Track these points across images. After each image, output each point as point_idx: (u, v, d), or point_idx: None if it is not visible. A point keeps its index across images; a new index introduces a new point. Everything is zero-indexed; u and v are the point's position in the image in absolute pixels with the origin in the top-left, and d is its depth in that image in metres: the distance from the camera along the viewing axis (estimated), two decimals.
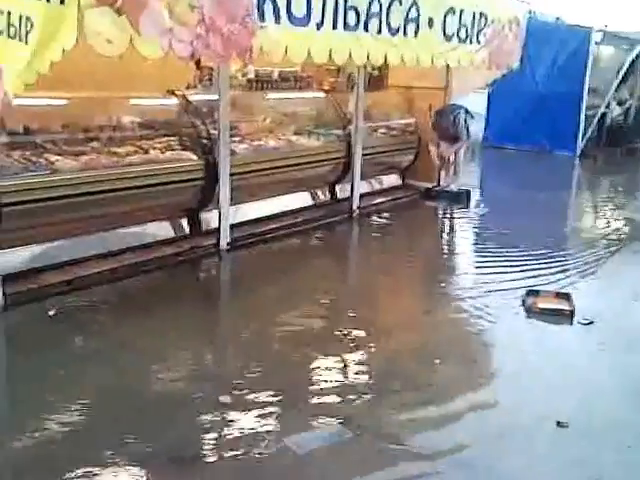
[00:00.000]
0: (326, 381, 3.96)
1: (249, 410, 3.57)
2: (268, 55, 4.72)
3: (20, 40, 3.95)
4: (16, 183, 4.78)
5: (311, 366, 4.16)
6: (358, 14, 5.50)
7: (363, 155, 7.79)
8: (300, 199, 7.67)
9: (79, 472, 2.99)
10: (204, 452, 3.22)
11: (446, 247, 7.66)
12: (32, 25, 3.90)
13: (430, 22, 6.37)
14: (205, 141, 6.31)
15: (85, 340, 4.45)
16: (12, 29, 3.98)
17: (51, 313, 4.70)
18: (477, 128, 11.88)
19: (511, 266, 6.25)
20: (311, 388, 3.90)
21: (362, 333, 4.65)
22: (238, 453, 3.18)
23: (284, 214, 7.24)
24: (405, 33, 6.07)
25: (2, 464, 3.13)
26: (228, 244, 6.29)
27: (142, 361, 4.17)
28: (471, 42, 7.08)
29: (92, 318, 4.76)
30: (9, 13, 4.00)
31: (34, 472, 3.06)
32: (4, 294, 4.65)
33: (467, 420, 3.63)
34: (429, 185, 8.96)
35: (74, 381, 3.89)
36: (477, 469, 3.18)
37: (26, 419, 3.47)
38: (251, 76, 7.37)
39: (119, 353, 4.26)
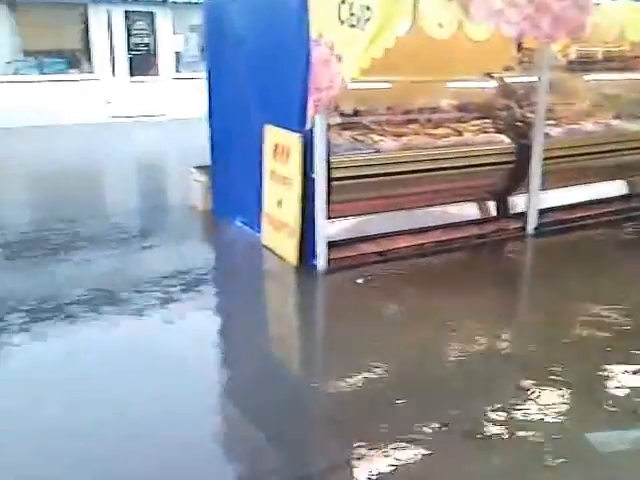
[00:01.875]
0: (632, 381, 3.70)
1: (546, 397, 3.51)
2: (601, 34, 4.48)
3: (359, 28, 4.31)
4: (345, 160, 5.27)
5: (615, 363, 3.91)
6: None
7: None
8: (614, 187, 7.16)
9: (381, 433, 3.22)
10: (496, 432, 3.22)
11: None
12: (371, 13, 4.23)
13: None
14: (519, 124, 6.22)
15: (390, 308, 4.77)
16: (353, 18, 4.36)
17: (359, 281, 5.11)
18: None
19: None
20: (613, 384, 3.68)
21: None
22: (533, 440, 3.14)
23: (596, 202, 6.84)
24: None
25: (315, 411, 3.54)
26: (535, 229, 6.17)
27: (441, 334, 4.33)
28: None
29: (398, 288, 5.07)
30: (351, 3, 4.38)
31: (331, 424, 3.40)
32: (329, 259, 5.20)
33: None
34: None
35: (377, 344, 4.18)
36: None
37: (335, 375, 3.85)
38: (572, 57, 7.04)
39: (420, 323, 4.48)
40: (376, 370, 3.85)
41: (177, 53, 14.55)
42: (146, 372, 3.80)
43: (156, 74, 14.32)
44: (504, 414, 3.37)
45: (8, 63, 13.15)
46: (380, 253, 5.53)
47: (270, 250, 5.64)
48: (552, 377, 3.71)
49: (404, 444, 3.11)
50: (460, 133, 6.01)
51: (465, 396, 3.55)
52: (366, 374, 3.80)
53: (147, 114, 13.76)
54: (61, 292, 4.88)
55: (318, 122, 4.94)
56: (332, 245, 5.29)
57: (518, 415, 3.35)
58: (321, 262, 5.20)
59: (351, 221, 5.68)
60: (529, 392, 3.56)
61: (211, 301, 4.99)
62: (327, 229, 5.21)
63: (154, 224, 6.94)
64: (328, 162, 5.09)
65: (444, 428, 3.24)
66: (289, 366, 4.16)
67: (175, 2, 13.78)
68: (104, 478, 2.90)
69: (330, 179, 5.13)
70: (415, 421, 3.29)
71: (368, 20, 4.24)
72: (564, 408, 3.43)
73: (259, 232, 5.87)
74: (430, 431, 3.21)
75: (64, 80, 13.33)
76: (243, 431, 3.30)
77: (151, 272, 5.34)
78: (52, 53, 13.46)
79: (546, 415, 3.35)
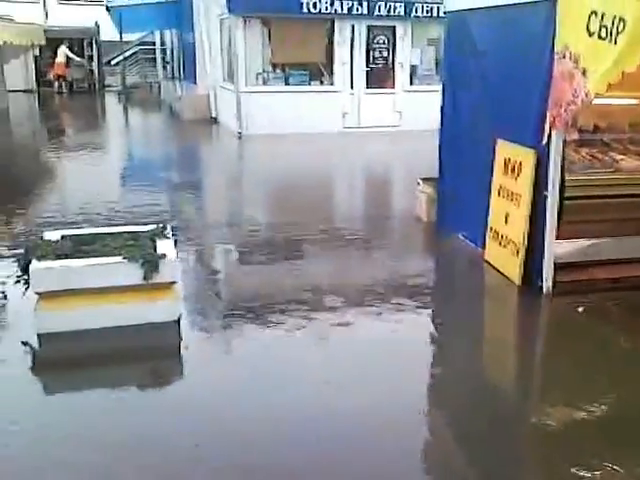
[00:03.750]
0: None
1: None
2: None
3: (610, 41, 4.06)
4: (580, 178, 5.00)
5: None
6: None
7: None
8: None
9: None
10: None
11: None
12: (624, 25, 3.96)
13: None
14: None
15: (617, 342, 4.42)
16: (603, 30, 4.11)
17: (580, 309, 4.79)
18: None
19: None
20: None
21: None
22: None
23: None
24: None
25: (526, 443, 3.40)
26: None
27: None
28: None
29: (629, 321, 4.70)
30: (603, 15, 4.14)
31: (543, 459, 3.23)
32: (554, 281, 4.96)
33: None
34: None
35: (597, 380, 3.90)
36: None
37: (547, 407, 3.66)
38: None
39: None
40: (592, 408, 3.60)
41: (412, 66, 14.81)
42: (357, 380, 3.91)
43: (391, 87, 14.70)
44: None
45: (258, 74, 14.37)
46: (612, 280, 5.15)
47: (492, 266, 5.52)
48: None
49: None
50: None
51: None
52: (582, 410, 3.57)
53: (380, 125, 14.17)
54: (285, 290, 5.23)
55: (554, 138, 4.75)
56: (559, 267, 5.03)
57: None
58: (546, 284, 4.97)
59: (582, 243, 5.34)
60: None
61: (427, 314, 5.02)
62: (555, 250, 4.98)
63: (378, 232, 7.13)
64: (562, 180, 4.87)
65: None
66: (502, 392, 4.02)
67: (417, 16, 14.04)
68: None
69: (563, 198, 4.90)
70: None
71: (621, 32, 3.98)
72: None
73: (482, 247, 5.78)
74: None
75: (306, 92, 14.22)
76: (450, 457, 3.27)
77: (370, 279, 5.51)
78: (297, 66, 14.45)
79: None
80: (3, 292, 4.97)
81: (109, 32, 22.09)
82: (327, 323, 4.63)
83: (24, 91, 23.01)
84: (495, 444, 3.33)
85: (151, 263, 4.32)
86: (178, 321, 4.47)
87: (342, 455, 3.17)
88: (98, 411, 3.54)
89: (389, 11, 13.91)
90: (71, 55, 23.47)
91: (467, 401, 3.75)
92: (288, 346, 4.34)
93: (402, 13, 13.98)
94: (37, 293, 4.29)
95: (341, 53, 14.26)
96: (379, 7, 13.85)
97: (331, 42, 14.27)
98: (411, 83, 14.77)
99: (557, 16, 4.55)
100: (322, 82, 14.57)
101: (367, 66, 14.47)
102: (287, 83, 14.36)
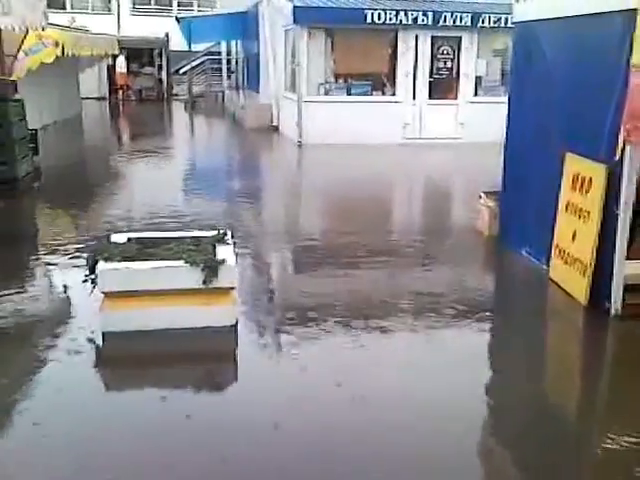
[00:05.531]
0: None
1: None
2: None
3: None
4: None
5: None
6: None
7: None
8: None
9: None
10: None
11: None
12: None
13: None
14: None
15: None
16: None
17: None
18: None
19: None
20: None
21: None
22: None
23: None
24: None
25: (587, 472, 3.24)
26: None
27: None
28: None
29: None
30: None
31: None
32: (624, 304, 4.76)
33: None
34: None
35: None
36: None
37: (607, 435, 3.48)
38: None
39: None
40: None
41: (478, 77, 14.57)
42: (411, 393, 3.85)
43: (454, 98, 14.52)
44: None
45: (321, 84, 14.43)
46: None
47: (557, 285, 5.33)
48: None
49: None
50: None
51: None
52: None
53: (442, 137, 14.01)
54: (341, 300, 5.18)
55: (628, 153, 4.56)
56: (630, 289, 4.80)
57: None
58: (614, 306, 4.76)
59: None
60: None
61: (485, 332, 4.89)
62: (625, 270, 4.77)
63: (436, 245, 6.99)
64: (636, 197, 4.68)
65: None
66: (562, 418, 3.84)
67: (483, 27, 13.83)
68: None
69: (636, 216, 4.71)
70: None
71: None
72: None
73: (546, 265, 5.60)
74: None
75: (367, 102, 14.18)
76: None
77: (430, 292, 5.40)
78: (359, 76, 14.44)
79: None
80: None
81: (178, 42, 22.60)
82: (384, 334, 4.56)
83: (97, 98, 23.79)
84: (556, 470, 3.19)
85: (211, 268, 4.36)
86: (234, 326, 4.50)
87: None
88: (148, 410, 3.60)
89: (455, 21, 13.76)
90: (121, 68, 23.87)
91: (527, 424, 3.61)
92: (342, 353, 4.29)
93: (468, 23, 13.81)
94: (103, 293, 4.39)
95: (404, 63, 14.18)
96: (445, 17, 13.71)
97: (394, 52, 14.22)
98: (475, 94, 14.55)
99: (636, 28, 4.37)
100: (384, 93, 14.51)
101: (430, 77, 14.34)
102: (349, 93, 14.38)
